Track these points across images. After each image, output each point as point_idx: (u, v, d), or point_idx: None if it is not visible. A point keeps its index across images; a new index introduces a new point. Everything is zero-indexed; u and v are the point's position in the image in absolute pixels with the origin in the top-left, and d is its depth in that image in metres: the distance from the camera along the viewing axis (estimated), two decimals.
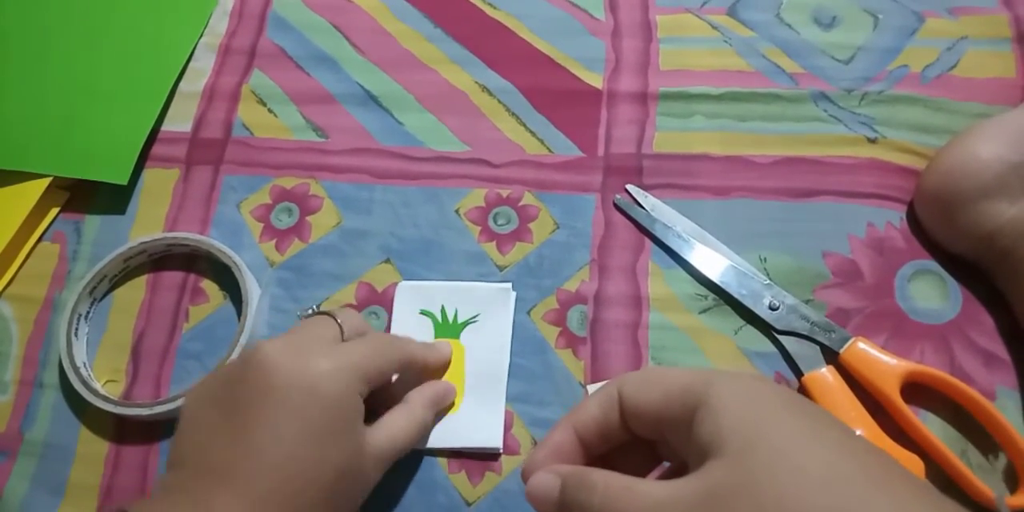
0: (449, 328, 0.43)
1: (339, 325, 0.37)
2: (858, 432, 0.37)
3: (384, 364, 0.36)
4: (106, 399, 0.41)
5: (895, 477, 0.22)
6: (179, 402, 0.40)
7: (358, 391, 0.34)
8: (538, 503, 0.26)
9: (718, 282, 0.42)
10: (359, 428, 0.34)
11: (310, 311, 0.40)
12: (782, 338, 0.41)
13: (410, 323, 0.43)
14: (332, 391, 0.33)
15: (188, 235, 0.45)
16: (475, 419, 0.40)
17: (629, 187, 0.46)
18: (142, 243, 0.45)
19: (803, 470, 0.21)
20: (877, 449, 0.23)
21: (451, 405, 0.40)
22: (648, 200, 0.45)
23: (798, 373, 0.40)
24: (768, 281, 0.42)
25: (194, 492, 0.31)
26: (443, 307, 0.43)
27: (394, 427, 0.36)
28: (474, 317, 0.43)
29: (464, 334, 0.42)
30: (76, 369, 0.41)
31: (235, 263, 0.44)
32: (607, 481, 0.24)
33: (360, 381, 0.34)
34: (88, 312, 0.44)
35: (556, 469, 0.26)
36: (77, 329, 0.43)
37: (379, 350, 0.36)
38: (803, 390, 0.39)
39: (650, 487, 0.23)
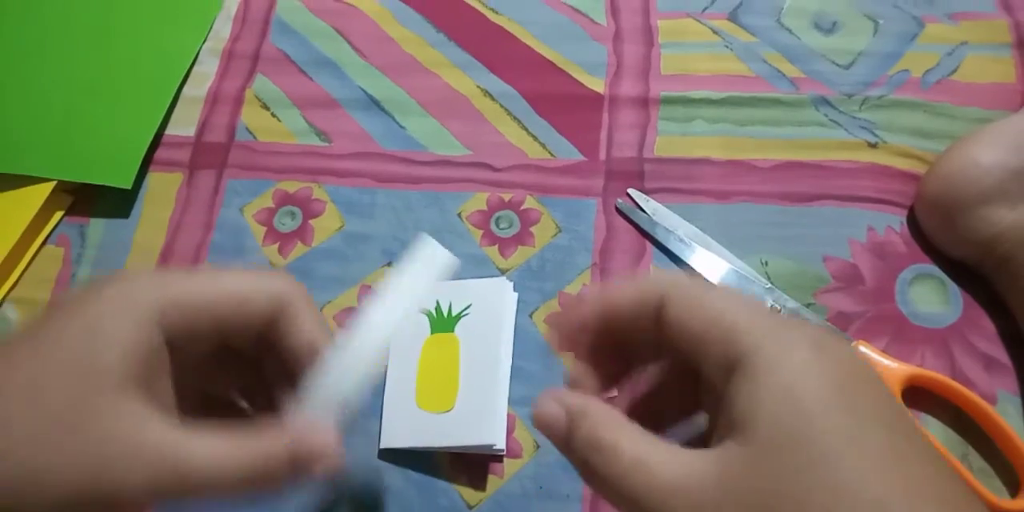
0: (444, 322, 0.43)
1: None
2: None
3: (223, 294, 0.24)
4: None
5: (946, 497, 0.19)
6: None
7: (149, 335, 0.22)
8: (545, 432, 0.23)
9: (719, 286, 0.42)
10: (119, 407, 0.22)
11: None
12: None
13: (409, 323, 0.43)
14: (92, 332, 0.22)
15: None
16: (472, 416, 0.39)
17: (631, 191, 0.46)
18: None
19: (842, 490, 0.18)
20: (932, 456, 0.20)
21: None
22: (649, 204, 0.45)
23: None
24: (769, 285, 0.42)
25: None
26: (438, 303, 0.43)
27: (216, 449, 0.22)
28: (466, 309, 0.43)
29: (458, 327, 0.42)
30: None
31: None
32: (617, 446, 0.21)
33: (154, 317, 0.23)
34: None
35: (564, 401, 0.23)
36: None
37: (225, 276, 0.25)
38: None
39: (664, 465, 0.20)
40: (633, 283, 0.23)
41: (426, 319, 0.43)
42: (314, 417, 0.24)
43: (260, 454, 0.23)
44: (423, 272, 0.28)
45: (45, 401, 0.21)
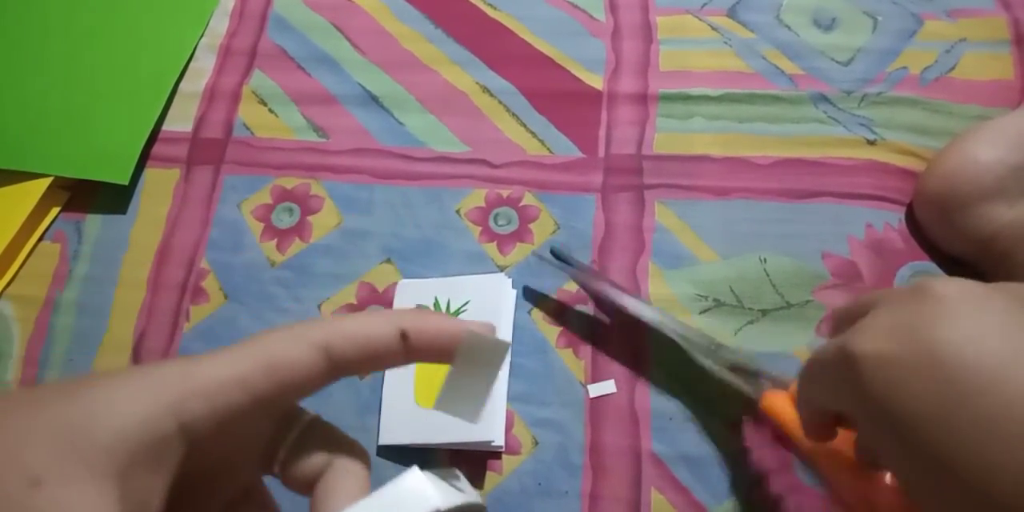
0: None
1: None
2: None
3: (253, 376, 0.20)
4: None
5: None
6: None
7: (157, 421, 0.18)
8: None
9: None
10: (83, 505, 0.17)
11: None
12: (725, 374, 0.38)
13: None
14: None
15: None
16: None
17: (553, 248, 0.44)
18: None
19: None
20: None
21: None
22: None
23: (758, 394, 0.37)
24: (717, 344, 0.39)
25: None
26: (436, 299, 0.43)
27: None
28: (464, 305, 0.43)
29: None
30: None
31: None
32: None
33: (171, 403, 0.19)
34: None
35: None
36: None
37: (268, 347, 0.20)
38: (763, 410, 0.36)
39: None
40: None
41: None
42: None
43: None
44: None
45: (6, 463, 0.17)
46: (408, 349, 0.21)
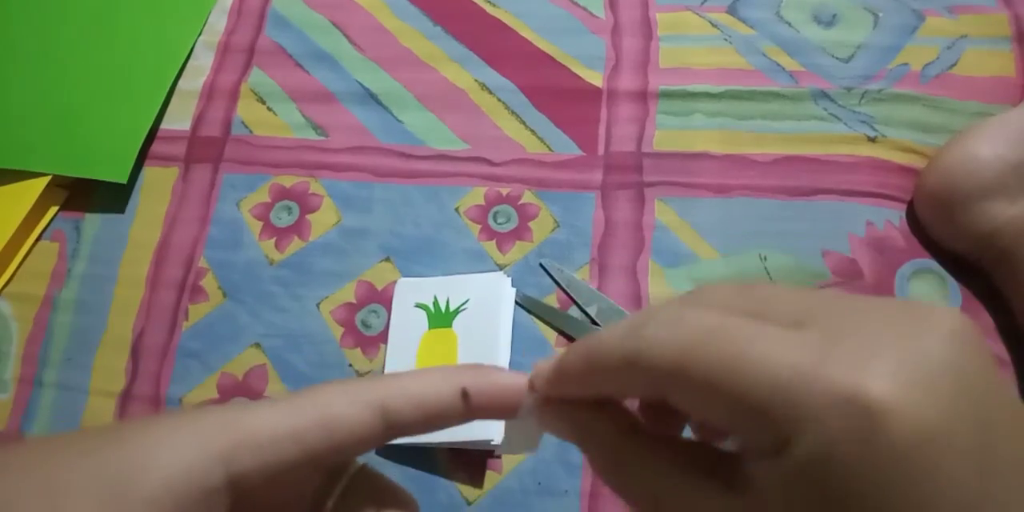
0: (441, 317, 0.42)
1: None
2: None
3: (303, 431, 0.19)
4: None
5: None
6: None
7: (206, 472, 0.18)
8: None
9: None
10: None
11: None
12: None
13: (407, 318, 0.43)
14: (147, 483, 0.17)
15: None
16: None
17: (543, 262, 0.44)
18: None
19: None
20: None
21: None
22: (563, 274, 0.44)
23: None
24: None
25: None
26: (435, 298, 0.43)
27: None
28: (464, 304, 0.43)
29: (456, 322, 0.42)
30: None
31: None
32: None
33: (219, 452, 0.18)
34: None
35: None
36: None
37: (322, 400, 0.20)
38: None
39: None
40: (609, 348, 0.18)
41: (424, 314, 0.43)
42: None
43: None
44: None
45: None
46: (469, 408, 0.20)
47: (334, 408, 0.20)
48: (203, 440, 0.18)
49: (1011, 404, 0.16)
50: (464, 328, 0.42)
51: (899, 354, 0.15)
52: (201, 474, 0.18)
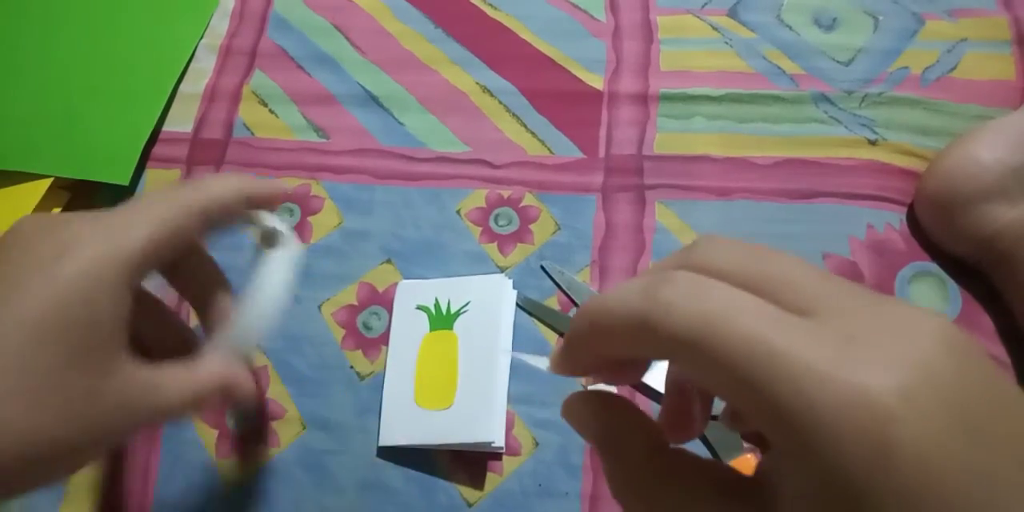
0: (443, 319, 0.43)
1: None
2: None
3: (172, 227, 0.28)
4: None
5: None
6: None
7: (126, 285, 0.25)
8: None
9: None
10: (114, 355, 0.25)
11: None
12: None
13: (408, 320, 0.43)
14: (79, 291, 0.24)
15: None
16: (471, 413, 0.39)
17: (544, 264, 0.44)
18: None
19: None
20: None
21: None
22: (564, 277, 0.44)
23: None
24: None
25: None
26: (436, 300, 0.43)
27: (169, 380, 0.26)
28: (465, 306, 0.43)
29: (457, 324, 0.42)
30: None
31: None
32: None
33: (129, 268, 0.25)
34: None
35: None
36: None
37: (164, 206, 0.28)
38: None
39: None
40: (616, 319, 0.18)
41: (425, 316, 0.43)
42: (231, 357, 0.30)
43: (202, 386, 0.27)
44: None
45: (35, 358, 0.22)
46: (249, 203, 0.33)
47: (179, 220, 0.28)
48: (118, 265, 0.25)
49: (1016, 412, 0.16)
50: (465, 330, 0.42)
51: (907, 363, 0.15)
52: (127, 295, 0.25)
